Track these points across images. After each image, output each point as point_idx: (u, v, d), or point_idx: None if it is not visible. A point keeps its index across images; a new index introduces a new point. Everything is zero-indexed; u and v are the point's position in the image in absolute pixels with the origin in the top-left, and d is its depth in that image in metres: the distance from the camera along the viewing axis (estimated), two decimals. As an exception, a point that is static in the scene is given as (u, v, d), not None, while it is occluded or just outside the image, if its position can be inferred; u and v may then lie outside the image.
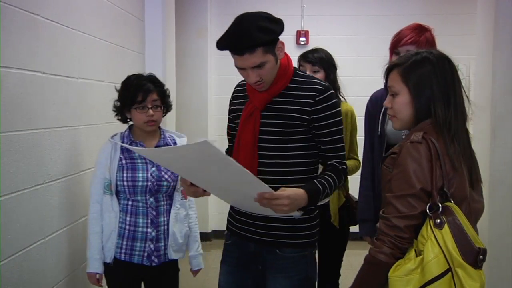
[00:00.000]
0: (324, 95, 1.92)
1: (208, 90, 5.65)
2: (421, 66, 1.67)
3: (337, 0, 5.70)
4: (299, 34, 5.60)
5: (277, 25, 1.87)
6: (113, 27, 3.12)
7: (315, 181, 1.91)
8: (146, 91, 2.30)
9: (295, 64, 2.15)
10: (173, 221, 2.38)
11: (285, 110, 1.94)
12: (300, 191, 1.83)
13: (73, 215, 2.58)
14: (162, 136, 2.42)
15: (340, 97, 2.89)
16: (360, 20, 5.71)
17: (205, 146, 1.60)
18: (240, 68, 1.89)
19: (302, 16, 5.64)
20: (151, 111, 2.31)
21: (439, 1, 5.63)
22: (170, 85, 3.94)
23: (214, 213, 5.77)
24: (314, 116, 1.92)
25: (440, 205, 1.54)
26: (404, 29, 2.38)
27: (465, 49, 4.77)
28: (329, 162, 1.98)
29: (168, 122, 3.83)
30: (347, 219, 2.85)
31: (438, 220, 1.52)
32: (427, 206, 1.55)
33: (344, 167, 1.99)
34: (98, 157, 2.36)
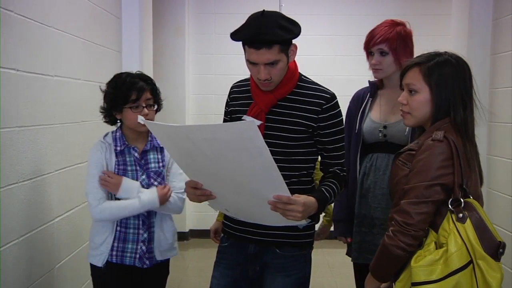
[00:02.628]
0: (331, 104, 1.95)
1: (186, 89, 5.62)
2: (444, 67, 1.75)
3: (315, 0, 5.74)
4: (277, 33, 5.60)
5: (295, 27, 1.89)
6: (89, 24, 3.09)
7: (323, 189, 1.94)
8: (140, 90, 2.23)
9: None
10: (159, 222, 2.34)
11: (291, 115, 1.94)
12: (312, 199, 1.85)
13: (47, 215, 2.54)
14: (150, 138, 2.34)
15: None
16: (338, 20, 5.76)
17: (249, 127, 1.55)
18: (252, 63, 1.88)
19: (280, 15, 5.65)
20: (145, 110, 2.24)
21: (415, 2, 5.71)
22: (148, 84, 3.92)
23: (192, 212, 5.76)
24: (320, 124, 1.94)
25: (462, 200, 1.63)
26: (376, 27, 2.37)
27: (439, 50, 4.85)
28: (330, 169, 2.01)
29: (145, 121, 3.80)
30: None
31: (461, 215, 1.62)
32: (449, 201, 1.64)
33: (345, 174, 2.03)
34: (92, 157, 2.27)
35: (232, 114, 2.08)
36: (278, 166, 1.73)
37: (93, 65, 3.09)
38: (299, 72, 2.02)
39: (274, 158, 1.73)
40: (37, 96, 2.41)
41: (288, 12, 6.33)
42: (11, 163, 2.18)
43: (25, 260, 2.31)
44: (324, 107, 1.93)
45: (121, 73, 2.32)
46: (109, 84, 2.30)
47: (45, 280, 2.50)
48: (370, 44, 2.33)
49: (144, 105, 2.24)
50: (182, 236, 5.55)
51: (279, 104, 1.96)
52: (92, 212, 2.25)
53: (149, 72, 3.98)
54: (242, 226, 2.02)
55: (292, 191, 1.84)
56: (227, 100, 2.13)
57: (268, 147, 1.84)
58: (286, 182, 1.77)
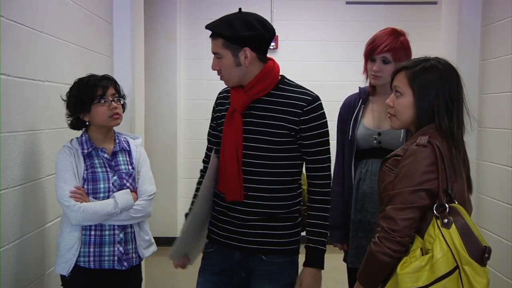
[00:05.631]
0: (313, 106, 1.93)
1: (177, 94, 5.62)
2: (429, 73, 1.75)
3: (306, 5, 5.77)
4: (268, 38, 5.61)
5: (250, 30, 1.89)
6: (81, 29, 3.08)
7: (310, 245, 1.96)
8: (104, 86, 2.28)
9: None
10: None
11: (270, 118, 1.94)
12: (307, 273, 1.95)
13: (39, 220, 2.53)
14: (117, 140, 2.39)
15: None
16: (329, 25, 5.78)
17: None
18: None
19: (272, 21, 5.66)
20: (114, 103, 2.29)
21: (405, 8, 5.75)
22: (139, 89, 3.91)
23: (183, 217, 5.73)
24: (302, 126, 1.93)
25: (447, 205, 1.62)
26: (379, 35, 2.38)
27: (430, 55, 4.87)
28: (310, 192, 2.00)
29: (137, 126, 3.80)
30: None
31: (446, 220, 1.61)
32: (434, 207, 1.63)
33: (326, 189, 2.00)
34: (61, 161, 2.26)
35: (218, 119, 2.09)
36: (261, 171, 1.83)
37: (84, 71, 3.07)
38: (283, 75, 2.02)
39: (257, 163, 1.84)
40: (28, 101, 2.40)
41: (279, 17, 6.34)
42: (2, 168, 2.17)
43: (15, 266, 2.29)
44: (305, 109, 1.92)
45: (82, 77, 2.35)
46: (72, 88, 2.33)
47: (35, 286, 2.48)
48: (376, 52, 2.33)
49: (111, 99, 2.28)
50: (174, 241, 5.52)
51: (257, 106, 1.96)
52: (71, 214, 2.20)
53: (141, 77, 3.97)
54: (227, 233, 2.02)
55: (277, 198, 1.90)
56: (213, 106, 2.16)
57: (249, 150, 1.92)
58: (270, 188, 1.88)
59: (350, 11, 5.77)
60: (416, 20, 5.62)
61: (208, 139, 2.19)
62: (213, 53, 1.97)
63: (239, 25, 1.89)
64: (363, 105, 2.42)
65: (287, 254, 2.01)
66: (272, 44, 5.61)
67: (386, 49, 2.31)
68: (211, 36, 1.97)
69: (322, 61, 5.76)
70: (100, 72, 2.45)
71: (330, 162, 2.01)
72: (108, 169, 2.30)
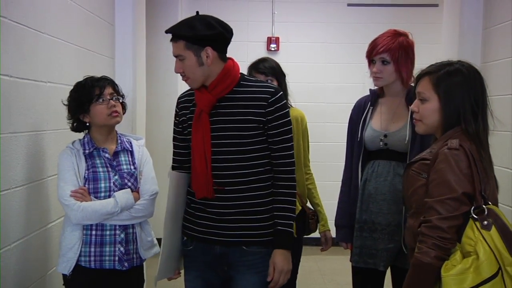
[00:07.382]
0: (276, 97, 2.01)
1: (178, 95, 5.60)
2: (453, 77, 1.76)
3: (308, 7, 5.78)
4: (269, 40, 5.62)
5: (209, 29, 1.96)
6: (83, 30, 3.09)
7: (279, 228, 2.02)
8: (101, 86, 2.31)
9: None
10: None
11: (238, 114, 2.00)
12: (278, 254, 2.00)
13: (41, 221, 2.53)
14: (119, 141, 2.41)
15: (289, 103, 2.84)
16: (330, 27, 5.79)
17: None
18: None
19: (273, 22, 5.68)
20: (112, 102, 2.31)
21: (406, 10, 5.76)
22: (141, 90, 3.92)
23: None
24: (269, 117, 2.00)
25: (484, 207, 1.63)
26: (378, 37, 2.42)
27: (430, 58, 4.87)
28: (276, 178, 2.05)
29: (139, 126, 3.81)
30: (302, 228, 2.84)
31: (486, 222, 1.61)
32: (472, 209, 1.63)
33: (292, 175, 2.07)
34: (62, 161, 2.29)
35: (183, 123, 2.13)
36: (235, 165, 1.94)
37: (86, 72, 3.07)
38: (242, 73, 2.09)
39: (230, 158, 1.94)
40: (30, 102, 2.40)
41: (280, 19, 6.35)
42: (4, 169, 2.17)
43: (17, 267, 2.30)
44: (270, 100, 2.00)
45: (80, 80, 2.38)
46: (71, 91, 2.36)
47: (37, 286, 2.49)
48: (373, 53, 2.38)
49: (109, 98, 2.30)
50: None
51: (223, 105, 2.02)
52: (71, 213, 2.23)
53: (142, 78, 3.98)
54: (206, 228, 2.06)
55: (251, 189, 1.98)
56: (176, 111, 2.19)
57: (221, 148, 1.99)
58: (245, 181, 1.97)
59: (351, 13, 5.78)
60: (417, 22, 5.62)
61: (174, 144, 2.23)
62: (175, 56, 2.02)
63: (199, 26, 1.96)
64: (371, 107, 2.46)
65: (267, 245, 2.05)
66: (273, 45, 5.64)
67: (383, 49, 2.35)
68: (171, 40, 2.01)
69: (323, 63, 5.76)
70: (101, 73, 2.46)
71: (293, 150, 2.08)
72: (110, 169, 2.32)
